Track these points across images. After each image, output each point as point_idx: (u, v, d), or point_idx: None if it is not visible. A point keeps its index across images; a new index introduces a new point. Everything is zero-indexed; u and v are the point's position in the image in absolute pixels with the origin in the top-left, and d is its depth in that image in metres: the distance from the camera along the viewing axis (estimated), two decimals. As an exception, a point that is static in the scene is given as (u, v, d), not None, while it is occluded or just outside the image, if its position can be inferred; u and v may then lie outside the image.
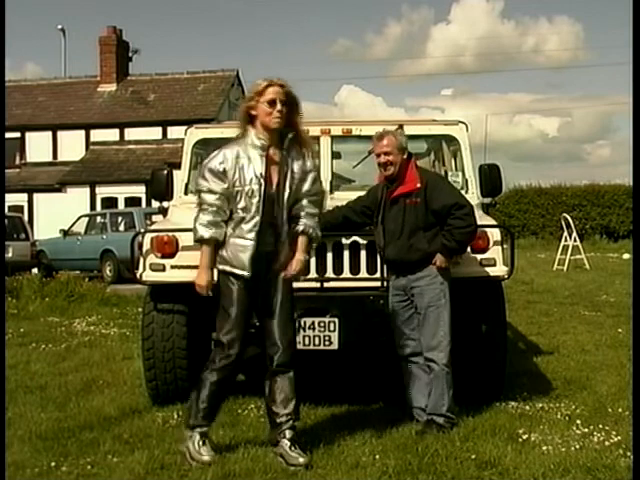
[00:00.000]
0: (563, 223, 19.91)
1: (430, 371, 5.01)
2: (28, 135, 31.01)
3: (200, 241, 4.43)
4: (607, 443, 4.63)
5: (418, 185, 4.99)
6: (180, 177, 6.53)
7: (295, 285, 5.24)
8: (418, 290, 5.02)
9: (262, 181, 4.39)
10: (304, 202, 4.51)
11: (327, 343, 5.32)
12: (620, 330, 8.87)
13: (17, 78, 33.85)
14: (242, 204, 4.39)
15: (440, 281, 5.00)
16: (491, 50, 70.84)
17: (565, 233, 19.38)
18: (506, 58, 71.78)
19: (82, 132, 30.70)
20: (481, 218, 5.61)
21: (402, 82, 74.85)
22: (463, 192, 6.16)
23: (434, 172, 5.48)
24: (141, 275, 5.53)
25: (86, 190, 28.44)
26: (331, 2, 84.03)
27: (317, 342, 5.31)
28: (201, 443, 4.43)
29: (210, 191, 4.40)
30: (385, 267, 5.27)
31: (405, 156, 5.06)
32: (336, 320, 5.31)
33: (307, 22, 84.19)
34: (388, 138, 5.07)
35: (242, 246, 4.40)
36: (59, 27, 37.81)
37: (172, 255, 5.40)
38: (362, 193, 6.09)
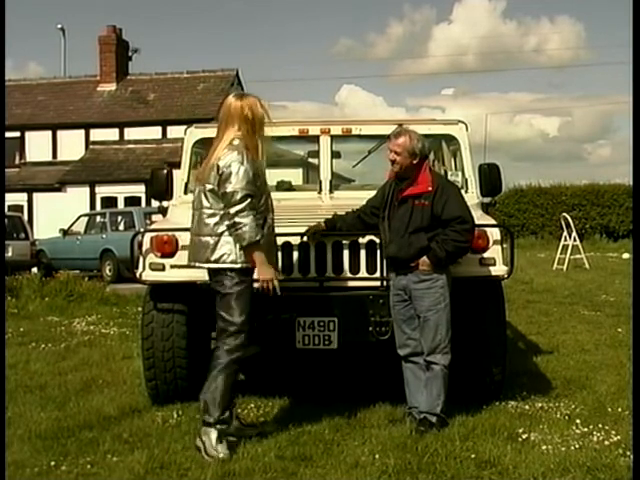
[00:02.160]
0: (563, 223, 19.90)
1: (430, 371, 5.03)
2: (28, 134, 30.99)
3: (253, 244, 4.60)
4: (607, 442, 4.63)
5: (429, 188, 5.00)
6: (180, 177, 6.54)
7: (295, 285, 5.25)
8: (418, 293, 5.02)
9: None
10: None
11: (326, 342, 5.32)
12: (620, 330, 8.87)
13: (17, 77, 33.86)
14: (264, 206, 4.73)
15: (440, 285, 5.01)
16: (493, 50, 70.88)
17: (565, 233, 19.37)
18: (508, 58, 71.82)
19: (82, 131, 30.69)
20: (481, 218, 5.61)
21: (403, 82, 74.93)
22: (462, 192, 6.18)
23: (447, 179, 5.50)
24: (141, 274, 5.53)
25: (86, 189, 28.45)
26: (333, 2, 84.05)
27: (317, 341, 5.32)
28: (218, 441, 4.53)
29: (255, 194, 4.65)
30: (385, 266, 5.28)
31: (416, 161, 5.05)
32: (335, 319, 5.31)
33: (308, 22, 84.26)
34: (403, 138, 5.06)
35: (273, 243, 4.86)
36: (59, 26, 37.84)
37: (172, 254, 5.40)
38: (362, 193, 6.11)
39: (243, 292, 4.67)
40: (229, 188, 4.59)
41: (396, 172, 5.10)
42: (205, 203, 4.75)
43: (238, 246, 4.64)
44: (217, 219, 4.69)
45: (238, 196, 4.58)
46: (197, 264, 4.83)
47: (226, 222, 4.66)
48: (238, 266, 4.66)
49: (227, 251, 4.67)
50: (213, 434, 4.55)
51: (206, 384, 4.70)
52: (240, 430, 4.87)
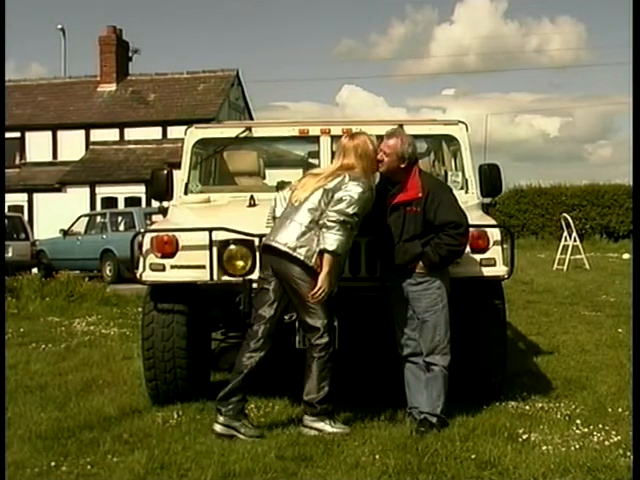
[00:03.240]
0: (563, 223, 19.91)
1: (429, 372, 5.03)
2: (28, 135, 30.99)
3: (334, 255, 4.78)
4: (607, 443, 4.63)
5: (420, 195, 4.98)
6: (180, 177, 6.54)
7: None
8: (415, 295, 5.02)
9: None
10: None
11: (327, 343, 5.32)
12: (620, 330, 8.87)
13: (18, 78, 33.88)
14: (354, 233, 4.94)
15: (437, 286, 5.00)
16: (494, 50, 70.85)
17: (565, 233, 19.37)
18: (509, 58, 71.78)
19: (82, 132, 30.69)
20: (481, 218, 5.61)
21: (404, 82, 74.81)
22: (463, 192, 6.18)
23: (438, 180, 5.48)
24: (141, 275, 5.52)
25: (86, 190, 28.46)
26: (335, 2, 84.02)
27: (317, 342, 5.30)
28: (332, 423, 4.94)
29: (360, 219, 4.87)
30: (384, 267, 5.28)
31: (403, 165, 5.04)
32: (335, 320, 5.30)
33: (310, 22, 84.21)
34: (394, 140, 5.06)
35: (341, 267, 5.03)
36: (59, 27, 37.85)
37: (172, 255, 5.40)
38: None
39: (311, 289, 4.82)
40: (350, 198, 4.79)
41: (381, 172, 5.10)
42: (313, 199, 4.90)
43: (317, 248, 4.78)
44: (316, 214, 4.85)
45: (351, 210, 4.78)
46: (274, 243, 4.91)
47: (323, 220, 4.80)
48: (311, 263, 4.79)
49: (306, 245, 4.81)
50: (327, 420, 4.90)
51: (310, 383, 4.94)
52: (245, 427, 4.90)
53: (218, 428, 4.87)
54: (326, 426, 4.87)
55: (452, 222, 4.93)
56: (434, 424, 4.92)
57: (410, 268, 5.00)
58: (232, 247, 5.34)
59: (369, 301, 5.34)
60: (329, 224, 4.77)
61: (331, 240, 4.75)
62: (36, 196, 29.18)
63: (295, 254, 4.82)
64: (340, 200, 4.81)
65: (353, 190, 4.83)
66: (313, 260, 4.80)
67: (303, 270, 4.82)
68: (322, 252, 4.77)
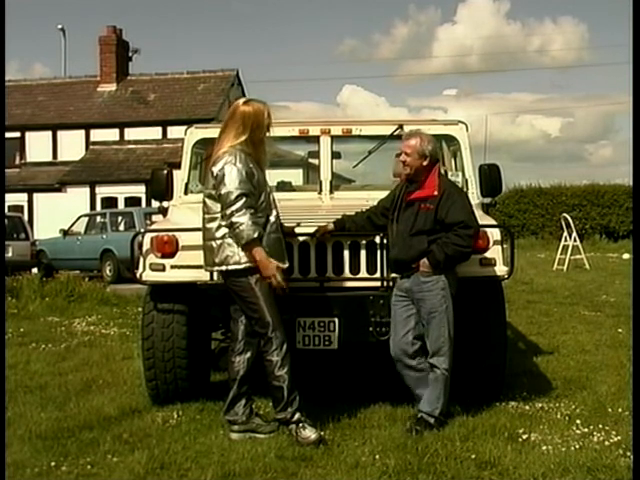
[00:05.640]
0: (563, 223, 19.91)
1: (432, 373, 5.03)
2: (28, 135, 31.01)
3: (251, 242, 4.66)
4: (607, 443, 4.63)
5: (435, 193, 5.00)
6: (180, 177, 6.54)
7: (295, 285, 5.26)
8: (420, 296, 5.02)
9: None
10: None
11: (327, 343, 5.32)
12: (620, 330, 8.87)
13: (18, 78, 33.89)
14: (264, 204, 4.81)
15: (441, 287, 5.00)
16: (496, 50, 70.89)
17: (565, 233, 19.37)
18: (511, 58, 71.83)
19: (82, 132, 30.71)
20: (481, 218, 5.61)
21: (406, 82, 74.96)
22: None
23: (456, 185, 5.50)
24: (141, 275, 5.53)
25: (86, 190, 28.47)
26: (338, 2, 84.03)
27: (317, 342, 5.31)
28: (302, 428, 4.70)
29: (251, 193, 4.71)
30: (386, 267, 5.27)
31: (426, 162, 5.06)
32: (336, 320, 5.31)
33: (312, 22, 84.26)
34: (415, 140, 5.09)
35: (280, 240, 4.85)
36: (59, 27, 37.90)
37: (172, 255, 5.40)
38: (362, 193, 6.10)
39: (258, 290, 4.74)
40: (223, 190, 4.72)
41: (407, 173, 5.12)
42: (204, 209, 4.89)
43: (239, 247, 4.71)
44: (217, 223, 4.81)
45: (233, 196, 4.68)
46: (208, 268, 4.97)
47: (225, 223, 4.74)
48: (242, 267, 4.73)
49: (229, 253, 4.76)
50: (300, 423, 4.72)
51: (273, 393, 4.82)
52: (260, 426, 4.92)
53: (235, 436, 4.85)
54: (298, 436, 4.69)
55: (462, 222, 4.95)
56: (431, 424, 4.92)
57: (414, 267, 5.00)
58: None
59: (369, 301, 5.34)
60: (228, 223, 4.70)
61: (240, 234, 4.65)
62: (36, 196, 29.19)
63: (223, 268, 4.80)
64: (220, 197, 4.73)
65: (224, 177, 4.71)
66: (243, 260, 4.72)
67: (238, 274, 4.76)
68: (244, 248, 4.71)
